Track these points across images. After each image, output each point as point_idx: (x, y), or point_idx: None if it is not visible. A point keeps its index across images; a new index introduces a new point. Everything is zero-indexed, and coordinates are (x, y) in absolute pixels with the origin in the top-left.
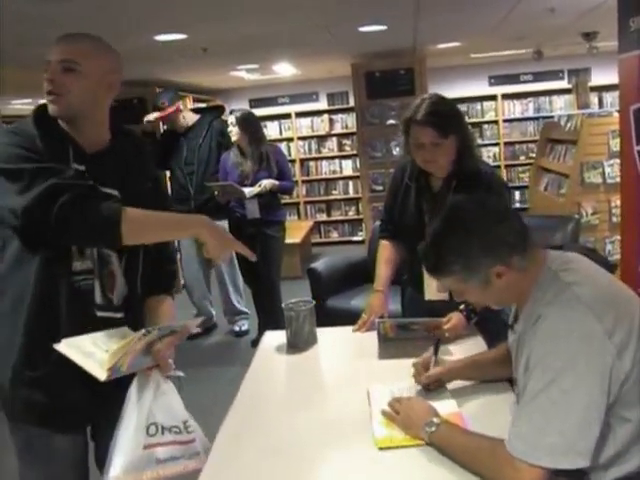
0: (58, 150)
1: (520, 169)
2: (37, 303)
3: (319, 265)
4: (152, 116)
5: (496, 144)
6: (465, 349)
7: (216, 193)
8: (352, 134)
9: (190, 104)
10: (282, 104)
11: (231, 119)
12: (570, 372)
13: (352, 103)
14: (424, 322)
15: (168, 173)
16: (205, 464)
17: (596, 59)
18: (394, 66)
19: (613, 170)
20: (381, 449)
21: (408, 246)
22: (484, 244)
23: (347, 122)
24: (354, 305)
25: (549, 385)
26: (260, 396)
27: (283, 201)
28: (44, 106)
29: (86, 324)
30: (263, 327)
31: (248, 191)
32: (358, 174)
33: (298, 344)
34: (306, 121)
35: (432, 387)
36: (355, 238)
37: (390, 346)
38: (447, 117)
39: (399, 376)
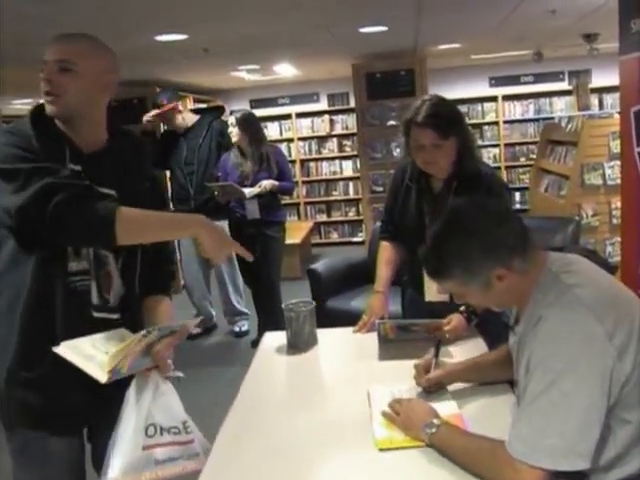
0: (54, 150)
1: (520, 170)
2: (33, 303)
3: (319, 266)
4: (150, 114)
5: (496, 145)
6: (465, 351)
7: (216, 193)
8: (352, 135)
9: (190, 104)
10: (282, 105)
11: (231, 120)
12: (571, 374)
13: (352, 104)
14: (424, 323)
15: (168, 173)
16: (204, 465)
17: (597, 61)
18: (395, 67)
19: (613, 172)
20: (381, 450)
21: (408, 247)
22: (484, 247)
23: (347, 123)
24: (354, 306)
25: (550, 387)
26: (260, 397)
27: (283, 202)
28: (41, 106)
29: (82, 325)
30: (263, 328)
31: (248, 191)
32: (358, 175)
33: (298, 345)
34: (306, 122)
35: (432, 389)
36: (355, 239)
37: (390, 347)
38: (447, 119)
39: (399, 377)
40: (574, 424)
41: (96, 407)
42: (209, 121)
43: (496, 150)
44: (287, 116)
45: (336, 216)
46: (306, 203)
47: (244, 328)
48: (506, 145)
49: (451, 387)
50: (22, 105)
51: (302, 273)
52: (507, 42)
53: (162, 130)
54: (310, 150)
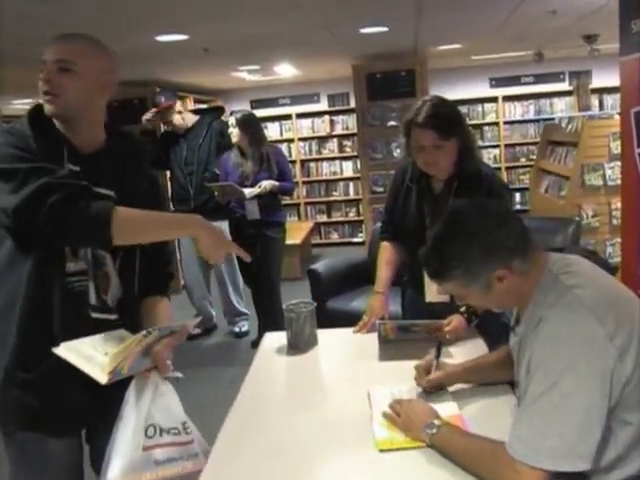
0: (52, 150)
1: (520, 171)
2: (30, 304)
3: (319, 266)
4: (148, 114)
5: (497, 146)
6: (466, 351)
7: (216, 193)
8: (353, 135)
9: (191, 105)
10: (283, 105)
11: (231, 120)
12: (571, 375)
13: (353, 104)
14: (425, 324)
15: (168, 173)
16: (204, 465)
17: (597, 61)
18: (395, 67)
19: (614, 172)
20: (381, 451)
21: (409, 248)
22: (485, 248)
23: (348, 123)
24: (354, 307)
25: (550, 388)
26: (260, 397)
27: (283, 202)
28: (39, 106)
29: (80, 325)
30: (263, 328)
31: (248, 192)
32: (359, 175)
33: (299, 345)
34: (307, 122)
35: (433, 391)
36: (355, 239)
37: (391, 348)
38: (448, 119)
39: (400, 378)
40: (574, 425)
41: (95, 407)
42: (209, 121)
43: (496, 151)
44: (287, 116)
45: (336, 216)
46: (306, 203)
47: (244, 328)
48: (506, 146)
49: (451, 388)
50: (22, 105)
51: (302, 273)
52: (507, 43)
53: (162, 130)
54: (310, 150)
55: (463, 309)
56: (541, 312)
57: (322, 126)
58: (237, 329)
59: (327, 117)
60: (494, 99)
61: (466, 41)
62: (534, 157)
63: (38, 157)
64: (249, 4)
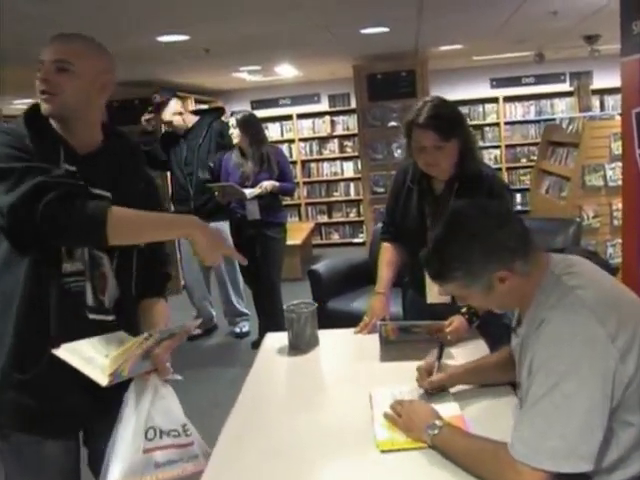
0: (49, 150)
1: (521, 172)
2: (27, 304)
3: (320, 267)
4: (147, 114)
5: (497, 146)
6: (467, 352)
7: (216, 194)
8: (353, 136)
9: (192, 105)
10: (283, 105)
11: (232, 121)
12: (573, 376)
13: (353, 105)
14: (426, 325)
15: (169, 174)
16: (204, 467)
17: (598, 62)
18: (396, 68)
19: (614, 173)
20: (383, 452)
21: (410, 249)
22: (486, 249)
23: (348, 124)
24: (355, 307)
25: (552, 389)
26: (262, 398)
27: (284, 202)
28: (36, 106)
29: (77, 326)
30: (264, 329)
31: (249, 192)
32: (359, 176)
33: (300, 346)
34: (307, 122)
35: (434, 392)
36: (356, 240)
37: (392, 349)
38: (449, 120)
39: (401, 379)
40: (576, 426)
41: (92, 409)
42: (209, 122)
43: (497, 151)
44: (288, 117)
45: (337, 217)
46: (307, 204)
47: (245, 329)
48: (507, 146)
49: (453, 389)
50: (22, 105)
51: (303, 274)
52: (508, 43)
53: (163, 131)
54: (311, 151)
55: (464, 310)
56: (543, 313)
57: (323, 126)
58: (238, 329)
59: (328, 117)
60: (495, 100)
61: (467, 42)
62: (535, 158)
63: (34, 157)
64: (250, 4)
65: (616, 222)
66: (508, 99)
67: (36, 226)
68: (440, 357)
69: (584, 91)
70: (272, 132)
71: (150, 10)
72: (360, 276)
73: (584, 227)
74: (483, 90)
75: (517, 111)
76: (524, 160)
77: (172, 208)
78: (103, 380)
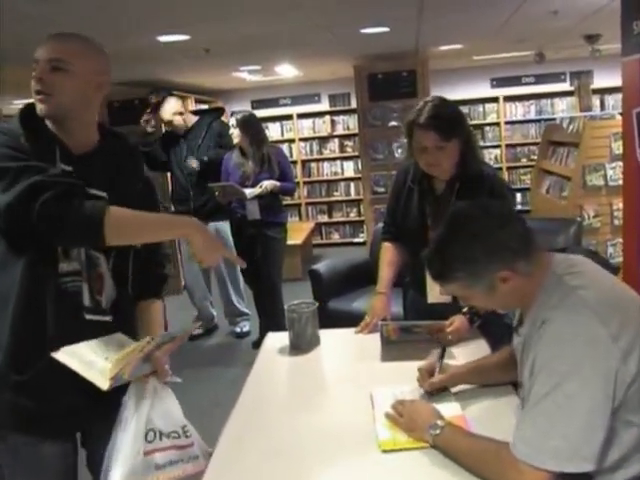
0: (44, 150)
1: (522, 171)
2: (23, 305)
3: (320, 267)
4: (145, 115)
5: (498, 146)
6: (468, 352)
7: (217, 193)
8: (354, 135)
9: (192, 105)
10: (284, 105)
11: (232, 121)
12: (575, 376)
13: (354, 105)
14: (427, 325)
15: (169, 174)
16: (204, 467)
17: (598, 62)
18: (396, 68)
19: (615, 173)
20: (384, 452)
21: (411, 249)
22: (487, 249)
23: (349, 123)
24: (355, 307)
25: (554, 389)
26: (262, 398)
27: (284, 202)
28: (31, 105)
29: (74, 327)
30: (264, 329)
31: (249, 192)
32: (360, 176)
33: (301, 346)
34: (308, 122)
35: (435, 393)
36: (356, 240)
37: (393, 349)
38: (450, 120)
39: (402, 378)
40: (578, 426)
41: (90, 410)
42: (208, 122)
43: (497, 151)
44: (288, 117)
45: (337, 217)
46: (307, 204)
47: (245, 329)
48: (507, 146)
49: (454, 388)
50: (22, 105)
51: (303, 274)
52: (508, 43)
53: (163, 131)
54: (311, 151)
55: (465, 310)
56: (545, 313)
57: (323, 126)
58: (238, 329)
59: (328, 117)
60: (495, 99)
61: (467, 41)
62: (535, 157)
63: (30, 157)
64: (250, 4)
65: (617, 222)
66: (508, 99)
67: (33, 225)
68: (442, 358)
69: (584, 91)
70: (272, 132)
71: (150, 10)
72: (361, 276)
73: (585, 227)
74: (483, 90)
75: (517, 111)
76: (524, 160)
77: (172, 208)
78: (104, 384)
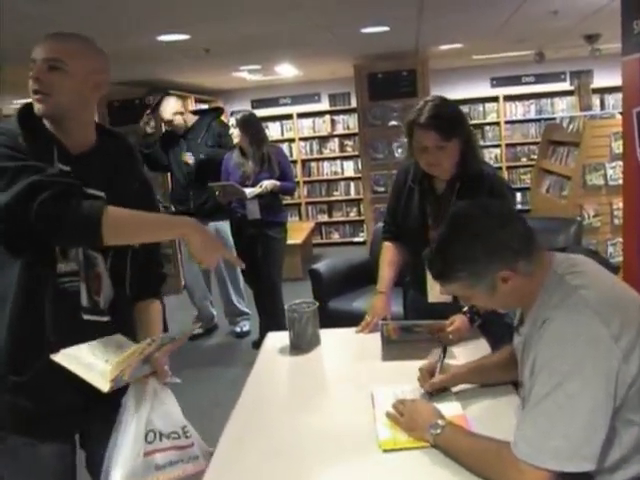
0: (42, 150)
1: (522, 171)
2: (21, 305)
3: (321, 266)
4: (145, 117)
5: (498, 146)
6: (469, 352)
7: (217, 193)
8: (354, 135)
9: (192, 105)
10: (284, 105)
11: (232, 121)
12: (576, 376)
13: (354, 104)
14: (427, 325)
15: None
16: (204, 467)
17: (598, 61)
18: (396, 67)
19: (615, 172)
20: (385, 451)
21: (411, 248)
22: (488, 249)
23: (349, 123)
24: (356, 307)
25: (555, 389)
26: (263, 398)
27: (284, 202)
28: (29, 105)
29: (72, 327)
30: (265, 329)
31: (249, 192)
32: (360, 175)
33: (301, 346)
34: (308, 122)
35: (435, 393)
36: (356, 239)
37: (393, 348)
38: (450, 120)
39: (402, 378)
40: (579, 426)
41: (89, 411)
42: (208, 122)
43: (497, 150)
44: (288, 116)
45: (337, 216)
46: (307, 203)
47: (245, 328)
48: (507, 145)
49: (455, 388)
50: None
51: (303, 273)
52: (508, 43)
53: (163, 130)
54: (311, 150)
55: (465, 309)
56: (546, 313)
57: (323, 126)
58: (238, 329)
59: (328, 117)
60: (495, 99)
61: (467, 41)
62: (535, 157)
63: (28, 156)
64: (250, 4)
65: (617, 221)
66: (508, 98)
67: (31, 225)
68: (443, 358)
69: (584, 90)
70: (272, 131)
71: (150, 10)
72: (361, 275)
73: (585, 226)
74: (483, 89)
75: (517, 110)
76: (524, 159)
77: (172, 208)
78: (104, 386)
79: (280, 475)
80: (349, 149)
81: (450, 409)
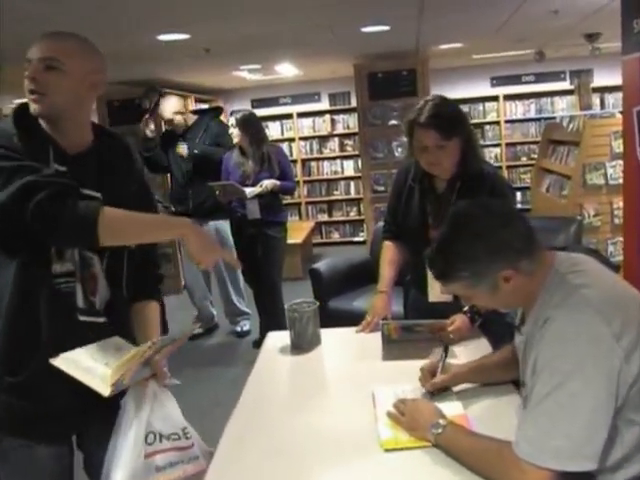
0: (38, 150)
1: (522, 170)
2: (16, 306)
3: (321, 266)
4: (144, 119)
5: (498, 145)
6: (470, 351)
7: (217, 193)
8: (354, 134)
9: (192, 104)
10: (284, 104)
11: (232, 120)
12: (578, 375)
13: (354, 103)
14: (428, 324)
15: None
16: (204, 467)
17: (598, 60)
18: (396, 67)
19: (615, 171)
20: (386, 451)
21: (412, 247)
22: (490, 249)
23: (349, 122)
24: (356, 306)
25: (557, 388)
26: (264, 398)
27: (284, 201)
28: (25, 105)
29: (68, 328)
30: (265, 328)
31: (249, 191)
32: (360, 175)
33: (302, 345)
34: (308, 121)
35: (436, 393)
36: (356, 239)
37: (394, 348)
38: (450, 119)
39: (403, 377)
40: (580, 425)
41: (86, 412)
42: (207, 121)
43: (497, 150)
44: (288, 116)
45: (337, 216)
46: (307, 203)
47: (245, 328)
48: (507, 145)
49: (456, 387)
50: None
51: (303, 273)
52: (509, 42)
53: (163, 130)
54: (311, 150)
55: (466, 309)
56: (547, 312)
57: (323, 125)
58: (239, 328)
59: (328, 116)
60: (495, 98)
61: (467, 41)
62: (535, 156)
63: (24, 156)
64: (250, 4)
65: (617, 220)
66: (508, 97)
67: (27, 225)
68: (445, 358)
69: (584, 89)
70: (272, 131)
71: (150, 9)
72: (361, 275)
73: (585, 225)
74: (483, 89)
75: (517, 109)
76: (524, 158)
77: (172, 208)
78: (105, 390)
79: (281, 475)
80: (349, 148)
81: (451, 409)
